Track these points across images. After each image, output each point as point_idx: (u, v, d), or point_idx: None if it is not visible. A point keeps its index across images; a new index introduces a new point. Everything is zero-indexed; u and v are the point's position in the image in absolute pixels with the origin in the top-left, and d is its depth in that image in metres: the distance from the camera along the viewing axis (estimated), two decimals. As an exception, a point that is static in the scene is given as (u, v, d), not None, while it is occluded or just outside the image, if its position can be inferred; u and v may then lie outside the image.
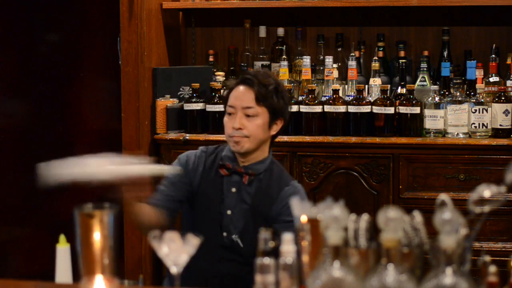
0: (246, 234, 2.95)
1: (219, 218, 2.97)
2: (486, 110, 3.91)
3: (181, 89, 4.26)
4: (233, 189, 2.98)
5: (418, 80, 4.08)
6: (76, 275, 2.06)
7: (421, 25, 4.40)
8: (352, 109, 4.00)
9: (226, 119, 2.99)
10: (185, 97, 4.23)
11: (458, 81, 3.97)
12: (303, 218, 2.00)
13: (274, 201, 2.96)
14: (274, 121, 2.99)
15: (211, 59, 4.48)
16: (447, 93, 4.03)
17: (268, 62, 4.37)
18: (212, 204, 2.98)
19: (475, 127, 3.91)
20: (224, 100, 3.05)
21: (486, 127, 3.91)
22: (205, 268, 2.88)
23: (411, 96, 3.97)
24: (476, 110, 3.91)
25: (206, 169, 3.02)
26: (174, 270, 2.08)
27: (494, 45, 4.11)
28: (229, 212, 2.97)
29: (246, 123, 2.94)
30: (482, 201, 2.01)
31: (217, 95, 4.13)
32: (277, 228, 2.84)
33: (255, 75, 2.98)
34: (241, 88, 2.97)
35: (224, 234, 2.96)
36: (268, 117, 2.97)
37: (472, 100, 3.94)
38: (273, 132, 3.02)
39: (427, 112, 3.96)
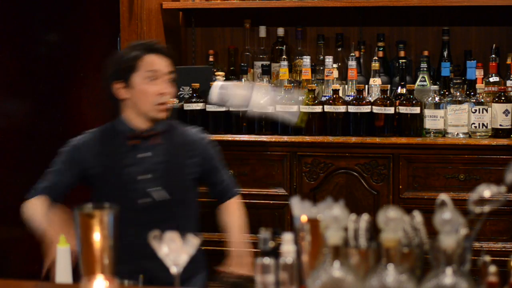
0: (171, 188, 3.04)
1: (138, 184, 3.01)
2: (486, 110, 3.91)
3: (181, 89, 4.26)
4: (148, 153, 3.04)
5: (418, 80, 4.08)
6: (76, 275, 2.06)
7: (421, 25, 4.40)
8: (352, 109, 4.00)
9: (145, 85, 3.01)
10: (185, 97, 4.23)
11: (458, 81, 3.97)
12: (303, 218, 2.00)
13: (185, 150, 3.10)
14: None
15: (211, 59, 4.48)
16: (447, 93, 4.03)
17: (268, 62, 4.37)
18: (124, 175, 3.02)
19: (475, 127, 3.91)
20: (125, 67, 3.03)
21: (486, 127, 3.91)
22: (131, 236, 2.92)
23: (411, 96, 3.97)
24: (476, 110, 3.91)
25: (103, 148, 3.07)
26: (174, 270, 2.08)
27: (494, 45, 4.11)
28: (149, 176, 3.02)
29: (170, 89, 3.06)
30: (482, 201, 2.01)
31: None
32: (213, 169, 3.12)
33: (160, 44, 3.12)
34: (158, 55, 3.05)
35: (141, 200, 3.01)
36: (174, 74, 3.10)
37: (472, 100, 3.94)
38: None
39: (427, 112, 3.96)
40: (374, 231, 1.92)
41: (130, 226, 2.92)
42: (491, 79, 4.01)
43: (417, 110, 3.95)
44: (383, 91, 3.99)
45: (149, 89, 3.02)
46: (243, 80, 4.32)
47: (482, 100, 3.93)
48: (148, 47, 3.07)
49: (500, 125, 3.90)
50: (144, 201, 3.02)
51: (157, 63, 3.03)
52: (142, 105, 3.03)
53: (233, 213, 3.23)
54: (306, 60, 4.16)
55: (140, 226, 2.93)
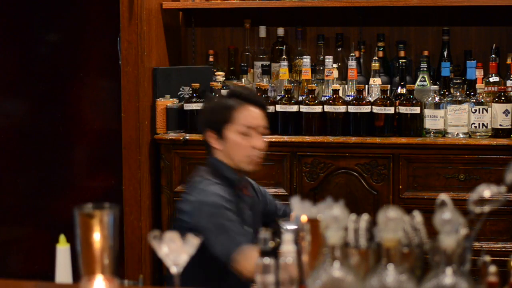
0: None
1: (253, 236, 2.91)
2: (486, 110, 3.91)
3: (181, 89, 4.26)
4: (244, 205, 2.98)
5: (418, 80, 4.09)
6: (76, 275, 2.06)
7: (421, 25, 4.40)
8: (352, 109, 4.00)
9: (239, 138, 2.92)
10: (185, 97, 4.23)
11: (458, 81, 3.97)
12: (303, 218, 2.00)
13: (258, 196, 3.11)
14: None
15: (211, 59, 4.48)
16: (447, 93, 4.03)
17: (268, 62, 4.37)
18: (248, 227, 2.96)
19: (475, 127, 3.91)
20: (221, 118, 2.93)
21: (486, 127, 3.91)
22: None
23: (411, 96, 3.97)
24: (476, 110, 3.91)
25: (233, 195, 2.95)
26: (174, 270, 2.08)
27: (494, 45, 4.11)
28: (246, 228, 2.92)
29: (263, 142, 2.99)
30: (482, 201, 2.01)
31: (217, 95, 4.13)
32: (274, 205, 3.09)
33: (256, 95, 3.10)
34: (256, 108, 2.96)
35: None
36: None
37: (472, 100, 3.94)
38: None
39: (427, 112, 3.96)
40: (374, 231, 1.92)
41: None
42: (491, 79, 4.01)
43: (417, 110, 3.95)
44: (383, 91, 3.99)
45: (242, 143, 2.93)
46: (243, 80, 4.32)
47: (482, 100, 3.93)
48: (245, 97, 2.96)
49: (500, 125, 3.90)
50: None
51: (253, 117, 2.94)
52: (235, 157, 2.94)
53: None
54: (306, 60, 4.16)
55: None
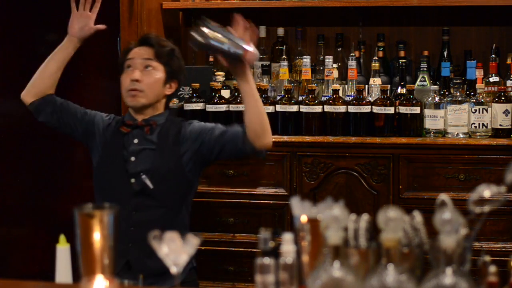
0: (154, 175, 3.09)
1: (124, 166, 3.11)
2: (486, 110, 3.91)
3: (181, 89, 4.26)
4: (135, 140, 3.14)
5: (418, 80, 4.09)
6: (76, 275, 2.06)
7: (421, 25, 4.40)
8: (352, 109, 4.00)
9: (123, 75, 3.16)
10: (185, 97, 4.23)
11: (458, 81, 3.97)
12: (303, 218, 2.00)
13: (178, 142, 3.14)
14: (169, 81, 3.19)
15: (211, 59, 4.47)
16: (447, 93, 4.03)
17: (268, 62, 4.37)
18: (115, 157, 3.13)
19: (475, 127, 3.91)
20: (121, 62, 3.21)
21: (486, 127, 3.91)
22: (122, 219, 2.91)
23: (411, 96, 3.97)
24: (476, 110, 3.91)
25: (109, 128, 3.22)
26: (174, 270, 2.08)
27: (494, 45, 4.11)
28: (132, 158, 3.11)
29: (143, 76, 3.12)
30: (482, 201, 2.01)
31: (217, 95, 4.13)
32: (205, 145, 3.13)
33: (154, 37, 3.21)
34: (141, 47, 3.17)
35: (132, 180, 3.11)
36: (164, 75, 3.17)
37: (472, 100, 3.94)
38: (167, 92, 3.21)
39: (427, 112, 3.96)
40: (374, 231, 1.92)
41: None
42: (491, 79, 4.01)
43: (417, 110, 3.95)
44: (383, 91, 3.99)
45: (124, 78, 3.15)
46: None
47: (482, 100, 3.93)
48: (140, 38, 3.24)
49: (500, 125, 3.90)
50: (127, 184, 3.09)
51: (134, 53, 3.15)
52: (122, 94, 3.18)
53: None
54: (306, 60, 4.16)
55: (126, 209, 3.02)
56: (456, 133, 3.94)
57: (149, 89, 3.12)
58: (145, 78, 3.12)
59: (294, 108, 4.05)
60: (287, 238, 1.95)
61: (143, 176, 3.07)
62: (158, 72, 3.16)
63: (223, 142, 3.13)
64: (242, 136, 3.10)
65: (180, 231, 3.02)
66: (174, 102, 4.18)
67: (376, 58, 4.13)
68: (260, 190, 4.04)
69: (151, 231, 2.88)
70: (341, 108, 4.00)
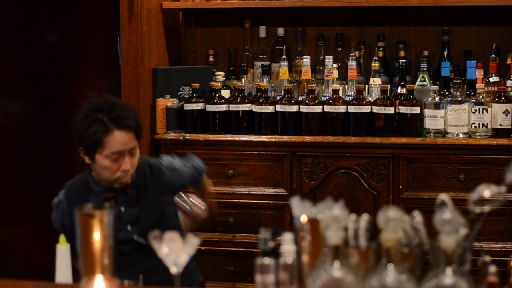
0: (145, 232, 2.89)
1: (120, 238, 2.86)
2: (486, 110, 3.91)
3: (181, 89, 4.26)
4: (122, 208, 3.01)
5: (418, 80, 4.08)
6: (76, 275, 2.06)
7: (421, 25, 4.39)
8: (352, 109, 4.00)
9: (107, 163, 2.91)
10: (185, 97, 4.23)
11: (458, 81, 3.97)
12: (303, 218, 2.00)
13: (157, 188, 3.07)
14: (139, 141, 3.03)
15: (211, 59, 4.48)
16: (447, 93, 4.03)
17: (268, 62, 4.37)
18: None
19: (475, 127, 3.91)
20: (91, 143, 2.91)
21: (486, 127, 3.91)
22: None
23: (411, 96, 3.97)
24: (476, 110, 3.91)
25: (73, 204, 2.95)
26: (174, 270, 2.08)
27: (494, 45, 4.11)
28: (129, 227, 3.01)
29: (132, 161, 2.96)
30: (482, 201, 2.01)
31: (217, 95, 4.13)
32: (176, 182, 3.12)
33: (126, 115, 2.95)
34: (122, 133, 2.92)
35: (126, 248, 2.99)
36: (137, 143, 3.00)
37: (472, 100, 3.94)
38: None
39: (427, 112, 3.96)
40: (374, 231, 1.92)
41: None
42: (491, 79, 4.01)
43: (417, 110, 3.95)
44: (383, 91, 3.99)
45: (112, 167, 2.93)
46: (243, 80, 4.32)
47: (482, 100, 3.93)
48: (114, 120, 2.92)
49: (500, 125, 3.90)
50: (125, 249, 2.99)
51: (121, 143, 2.92)
52: (103, 177, 2.96)
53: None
54: (306, 60, 4.16)
55: (126, 269, 2.92)
56: (456, 133, 3.94)
57: (134, 168, 3.00)
58: (133, 162, 2.97)
59: (294, 108, 4.05)
60: (287, 238, 1.95)
61: (135, 236, 3.00)
62: (137, 148, 3.02)
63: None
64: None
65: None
66: (174, 102, 4.19)
67: (376, 58, 4.13)
68: (260, 190, 4.04)
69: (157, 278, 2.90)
70: (341, 108, 4.00)
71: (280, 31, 4.43)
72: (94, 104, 2.96)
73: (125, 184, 2.99)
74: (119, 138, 2.91)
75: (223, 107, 4.11)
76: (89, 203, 2.88)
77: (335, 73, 4.14)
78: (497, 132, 3.91)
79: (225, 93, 4.23)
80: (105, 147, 2.90)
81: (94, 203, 2.91)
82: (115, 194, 3.00)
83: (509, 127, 3.90)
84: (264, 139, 4.04)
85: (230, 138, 4.07)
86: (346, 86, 4.16)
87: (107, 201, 2.99)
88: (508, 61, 4.13)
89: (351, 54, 4.13)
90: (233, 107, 4.12)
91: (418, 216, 2.00)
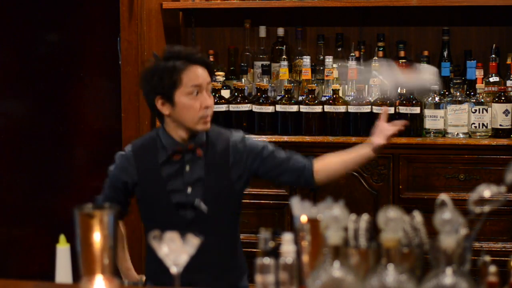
0: (207, 198, 2.95)
1: (182, 199, 2.96)
2: (486, 110, 3.91)
3: (181, 89, 4.26)
4: (187, 168, 2.97)
5: (418, 80, 4.09)
6: (76, 275, 2.06)
7: (421, 25, 4.39)
8: (352, 109, 4.00)
9: (188, 100, 2.90)
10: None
11: (458, 81, 3.97)
12: (303, 218, 2.00)
13: (227, 156, 2.99)
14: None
15: (211, 59, 4.48)
16: (447, 93, 4.03)
17: (268, 62, 4.37)
18: (161, 192, 2.97)
19: (475, 127, 3.91)
20: (169, 85, 2.91)
21: (486, 127, 3.91)
22: None
23: (411, 96, 3.97)
24: (476, 110, 3.91)
25: (143, 167, 3.00)
26: (174, 270, 2.08)
27: (494, 45, 4.11)
28: (189, 189, 2.95)
29: (211, 101, 2.97)
30: (482, 201, 2.01)
31: (217, 95, 4.13)
32: (262, 167, 3.01)
33: (197, 53, 2.98)
34: (198, 67, 2.93)
35: (182, 211, 2.95)
36: (211, 81, 3.01)
37: (472, 100, 3.94)
38: None
39: (427, 112, 3.96)
40: (374, 231, 1.92)
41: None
42: (491, 79, 4.01)
43: (417, 110, 3.95)
44: (383, 91, 3.99)
45: (194, 105, 2.91)
46: (243, 80, 4.32)
47: (482, 100, 3.93)
48: (188, 57, 2.94)
49: (500, 125, 3.90)
50: (184, 214, 2.95)
51: (200, 77, 2.92)
52: (187, 120, 2.92)
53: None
54: (306, 60, 4.16)
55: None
56: (456, 133, 3.94)
57: (213, 108, 2.99)
58: (212, 102, 2.97)
59: (294, 108, 4.05)
60: (287, 238, 1.95)
61: (197, 200, 2.95)
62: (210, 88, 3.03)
63: (283, 170, 3.06)
64: (307, 172, 3.05)
65: (236, 258, 3.01)
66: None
67: (376, 58, 4.13)
68: (260, 190, 4.04)
69: (209, 260, 2.87)
70: (341, 108, 4.01)
71: (280, 31, 4.43)
72: (161, 57, 2.99)
73: (208, 127, 2.95)
74: (195, 72, 2.92)
75: (223, 107, 4.11)
76: (156, 158, 2.96)
77: (335, 73, 4.14)
78: (497, 132, 3.91)
79: (225, 93, 4.23)
80: (183, 83, 2.90)
81: (161, 159, 2.96)
82: (182, 151, 2.96)
83: (509, 127, 3.90)
84: (264, 139, 4.03)
85: (230, 138, 4.07)
86: (346, 86, 4.16)
87: (174, 156, 2.96)
88: (508, 61, 4.13)
89: (351, 54, 4.13)
90: (233, 107, 4.12)
91: (418, 216, 2.00)
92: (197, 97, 2.91)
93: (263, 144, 3.06)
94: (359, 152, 3.12)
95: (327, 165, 3.08)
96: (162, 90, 2.90)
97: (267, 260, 1.94)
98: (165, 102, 2.92)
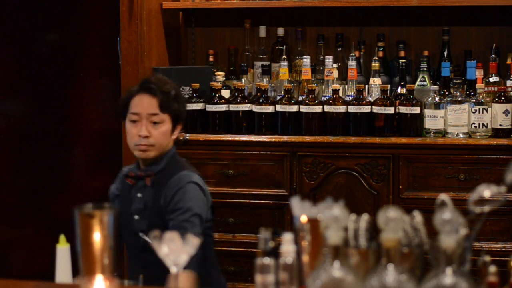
0: (151, 229, 2.92)
1: (132, 225, 3.05)
2: (486, 110, 3.91)
3: (181, 89, 4.26)
4: (139, 194, 3.05)
5: (418, 80, 4.08)
6: (76, 275, 2.06)
7: (421, 25, 4.39)
8: (352, 109, 4.00)
9: (129, 126, 3.02)
10: (185, 97, 4.22)
11: (458, 81, 3.97)
12: (303, 218, 2.00)
13: (163, 194, 3.01)
14: (175, 127, 3.07)
15: (211, 59, 4.48)
16: (447, 93, 4.03)
17: (268, 62, 4.37)
18: (125, 214, 3.05)
19: (475, 127, 3.91)
20: (122, 106, 3.06)
21: (486, 127, 3.91)
22: (136, 274, 2.92)
23: (411, 96, 3.97)
24: (476, 110, 3.91)
25: (120, 187, 3.14)
26: (174, 270, 2.08)
27: (494, 45, 4.11)
28: (136, 217, 3.04)
29: (152, 130, 3.01)
30: (482, 201, 2.01)
31: (217, 95, 4.13)
32: (169, 221, 2.97)
33: (156, 83, 3.03)
34: (144, 95, 3.00)
35: (136, 240, 3.05)
36: (170, 124, 3.04)
37: (472, 100, 3.94)
38: (174, 137, 3.10)
39: (427, 112, 3.96)
40: (374, 231, 1.92)
41: (134, 262, 3.06)
42: (491, 79, 4.01)
43: (417, 110, 3.95)
44: (383, 91, 3.99)
45: (131, 131, 3.02)
46: (243, 80, 4.32)
47: (482, 100, 3.93)
48: (142, 84, 3.05)
49: (500, 125, 3.90)
50: (137, 241, 3.03)
51: (140, 105, 3.00)
52: (128, 145, 3.07)
53: None
54: (306, 60, 4.16)
55: (138, 264, 3.01)
56: (456, 133, 3.94)
57: (158, 143, 3.01)
58: (153, 133, 3.00)
59: (294, 108, 4.05)
60: (287, 238, 1.95)
61: (141, 234, 3.01)
62: (165, 124, 3.03)
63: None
64: None
65: (205, 271, 3.03)
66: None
67: (376, 58, 4.13)
68: (260, 190, 4.04)
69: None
70: (341, 108, 4.00)
71: (280, 31, 4.43)
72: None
73: (146, 157, 3.02)
74: (140, 99, 3.01)
75: (223, 107, 4.11)
76: (124, 185, 3.07)
77: (335, 73, 4.14)
78: (497, 132, 3.91)
79: (225, 93, 4.23)
80: (129, 109, 3.03)
81: (125, 185, 3.07)
82: (135, 176, 3.06)
83: (509, 127, 3.90)
84: (264, 139, 4.04)
85: (230, 138, 4.07)
86: (346, 86, 4.16)
87: (127, 179, 3.08)
88: (508, 61, 4.13)
89: (351, 54, 4.13)
90: (233, 107, 4.12)
91: (418, 216, 1.99)
92: (135, 124, 3.01)
93: (185, 209, 2.98)
94: None
95: None
96: (121, 113, 3.08)
97: (267, 260, 1.94)
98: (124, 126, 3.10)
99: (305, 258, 1.99)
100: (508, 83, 4.00)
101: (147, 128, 2.99)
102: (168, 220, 2.98)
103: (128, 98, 3.04)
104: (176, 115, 3.05)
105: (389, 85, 4.08)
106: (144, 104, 3.00)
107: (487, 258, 1.92)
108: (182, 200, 2.98)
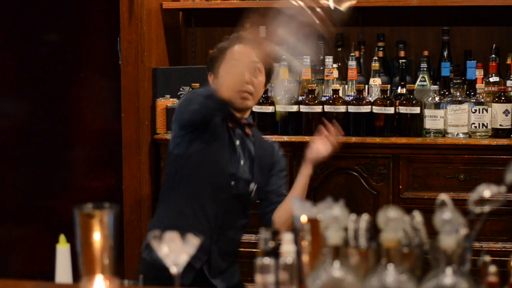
0: (254, 183, 3.08)
1: (228, 168, 3.03)
2: (486, 110, 3.91)
3: (181, 89, 4.26)
4: (237, 142, 3.06)
5: (418, 80, 4.09)
6: (76, 275, 2.06)
7: (421, 25, 4.40)
8: (352, 109, 4.00)
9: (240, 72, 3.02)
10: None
11: (458, 81, 3.97)
12: (303, 218, 2.00)
13: (270, 153, 3.14)
14: (266, 83, 3.12)
15: (211, 59, 4.47)
16: (447, 93, 4.03)
17: (268, 62, 4.36)
18: (222, 153, 3.02)
19: (475, 127, 3.91)
20: (214, 59, 3.09)
21: (486, 127, 3.91)
22: (211, 216, 2.98)
23: (411, 96, 3.97)
24: (476, 110, 3.91)
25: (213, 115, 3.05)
26: (174, 270, 2.08)
27: (494, 45, 4.11)
28: (242, 162, 3.06)
29: (253, 79, 3.02)
30: (482, 201, 2.01)
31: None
32: (272, 179, 3.13)
33: (252, 36, 3.07)
34: (244, 46, 3.04)
35: (232, 183, 3.05)
36: (264, 78, 3.08)
37: (472, 100, 3.94)
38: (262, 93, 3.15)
39: (427, 112, 3.96)
40: (374, 231, 1.92)
41: (213, 204, 3.02)
42: (491, 79, 4.01)
43: (417, 110, 3.95)
44: (383, 91, 3.99)
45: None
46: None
47: (482, 100, 3.93)
48: (237, 38, 3.08)
49: (500, 125, 3.90)
50: (236, 186, 3.06)
51: (239, 52, 3.02)
52: (225, 92, 2.94)
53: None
54: (306, 60, 4.15)
55: (222, 209, 3.03)
56: (456, 133, 3.94)
57: (256, 92, 3.03)
58: (254, 81, 3.02)
59: (294, 108, 4.05)
60: (287, 238, 1.95)
61: (252, 184, 3.07)
62: (262, 76, 3.07)
63: (269, 197, 3.24)
64: (268, 216, 3.22)
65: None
66: (174, 102, 4.19)
67: (376, 58, 4.13)
68: (260, 190, 4.03)
69: (232, 236, 2.97)
70: (341, 108, 4.00)
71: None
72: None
73: (245, 105, 3.04)
74: (239, 47, 3.06)
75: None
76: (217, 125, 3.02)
77: (335, 73, 4.14)
78: (497, 132, 3.91)
79: (225, 93, 4.22)
80: (226, 58, 3.07)
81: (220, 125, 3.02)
82: (237, 123, 3.06)
83: (509, 127, 3.90)
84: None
85: (230, 138, 4.07)
86: (346, 86, 4.16)
87: (229, 122, 3.04)
88: (508, 61, 4.13)
89: (351, 54, 4.13)
90: (233, 107, 4.11)
91: (418, 216, 2.00)
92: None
93: (283, 165, 3.23)
94: (303, 175, 3.20)
95: (285, 212, 3.17)
96: (210, 66, 3.16)
97: (267, 260, 1.94)
98: (213, 78, 3.17)
99: (305, 258, 1.99)
100: (508, 83, 4.00)
101: (250, 75, 3.02)
102: (270, 176, 3.16)
103: (224, 50, 3.07)
104: (269, 71, 3.12)
105: (389, 85, 4.08)
106: (245, 51, 3.03)
107: (487, 258, 1.92)
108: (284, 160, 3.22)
